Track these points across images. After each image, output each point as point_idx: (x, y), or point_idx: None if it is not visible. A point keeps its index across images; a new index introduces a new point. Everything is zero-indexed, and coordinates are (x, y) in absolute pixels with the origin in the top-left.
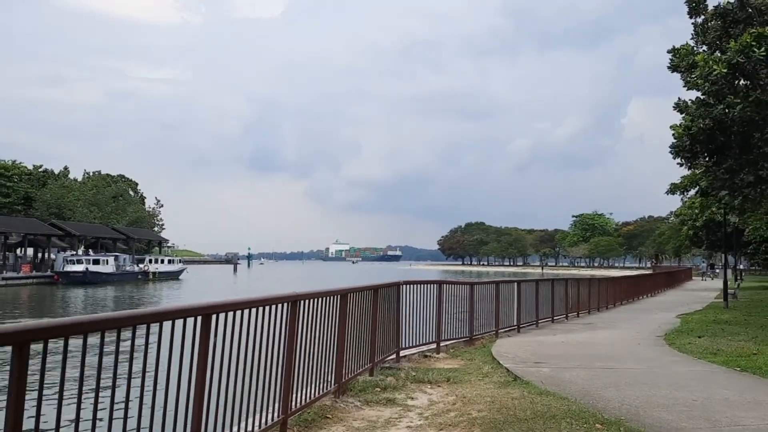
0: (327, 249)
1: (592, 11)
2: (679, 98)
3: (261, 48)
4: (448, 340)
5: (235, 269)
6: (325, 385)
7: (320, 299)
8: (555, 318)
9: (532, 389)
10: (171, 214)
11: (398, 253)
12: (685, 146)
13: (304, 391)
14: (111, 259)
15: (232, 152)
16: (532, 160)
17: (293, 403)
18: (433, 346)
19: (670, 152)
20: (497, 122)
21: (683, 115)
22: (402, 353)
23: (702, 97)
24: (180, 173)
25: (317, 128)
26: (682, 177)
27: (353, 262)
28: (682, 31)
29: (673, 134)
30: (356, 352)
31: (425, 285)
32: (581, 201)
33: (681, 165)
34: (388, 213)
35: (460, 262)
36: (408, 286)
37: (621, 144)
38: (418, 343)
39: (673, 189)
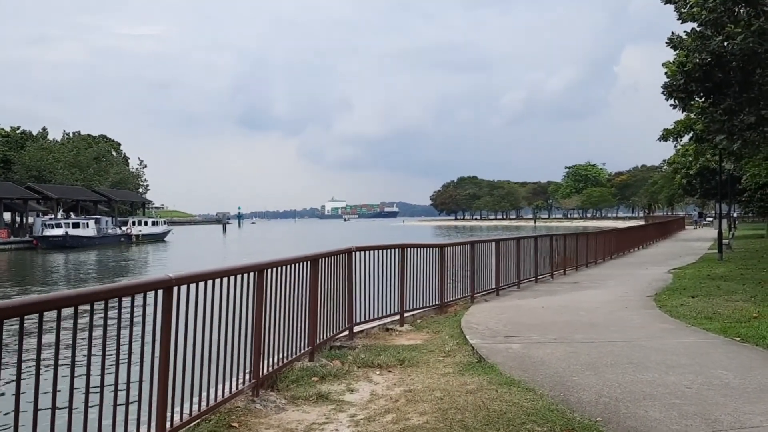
0: (323, 207)
1: None
2: (672, 32)
3: (248, 1)
4: (414, 309)
5: (224, 229)
6: (240, 380)
7: (216, 280)
8: (539, 277)
9: (494, 377)
10: (161, 174)
11: (395, 209)
12: (679, 85)
13: (202, 395)
14: (91, 222)
15: (222, 110)
16: (525, 113)
17: (181, 413)
18: (397, 317)
19: (663, 93)
20: (491, 75)
21: (677, 51)
22: (359, 328)
23: (698, 29)
24: (170, 133)
25: (308, 84)
26: (675, 122)
27: (345, 220)
28: None
29: (666, 72)
30: (287, 336)
31: (385, 250)
32: (575, 152)
33: (674, 107)
34: (382, 169)
35: (453, 217)
36: (364, 252)
37: (614, 93)
38: (378, 316)
39: (665, 135)
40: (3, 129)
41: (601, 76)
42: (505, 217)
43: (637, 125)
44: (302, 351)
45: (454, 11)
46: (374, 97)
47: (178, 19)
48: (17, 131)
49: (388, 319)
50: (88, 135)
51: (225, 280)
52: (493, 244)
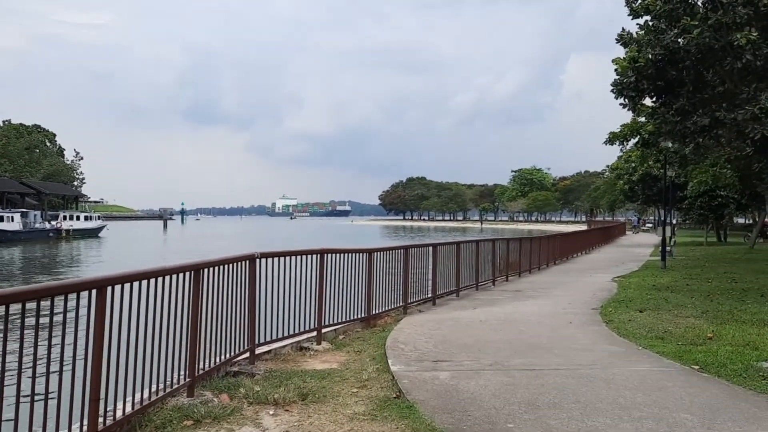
0: (273, 204)
1: None
2: (623, 28)
3: None
4: (336, 324)
5: (165, 225)
6: None
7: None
8: (480, 284)
9: (410, 423)
10: (103, 167)
11: (347, 208)
12: (630, 83)
13: None
14: (17, 216)
15: (168, 103)
16: (474, 116)
17: None
18: (314, 334)
19: (612, 91)
20: (441, 77)
21: (628, 48)
22: (266, 348)
23: (652, 22)
24: (114, 125)
25: (258, 80)
26: (621, 125)
27: (291, 218)
28: None
29: (616, 69)
30: (153, 368)
31: (301, 256)
32: (521, 156)
33: (624, 106)
34: (332, 167)
35: (402, 217)
36: (272, 259)
37: (560, 100)
38: (292, 333)
39: (612, 138)
40: None
41: (548, 83)
42: (452, 218)
43: (580, 132)
44: (177, 384)
45: (405, 12)
46: (325, 94)
47: (123, 8)
48: None
49: (305, 336)
50: (20, 124)
51: (43, 302)
52: (430, 249)
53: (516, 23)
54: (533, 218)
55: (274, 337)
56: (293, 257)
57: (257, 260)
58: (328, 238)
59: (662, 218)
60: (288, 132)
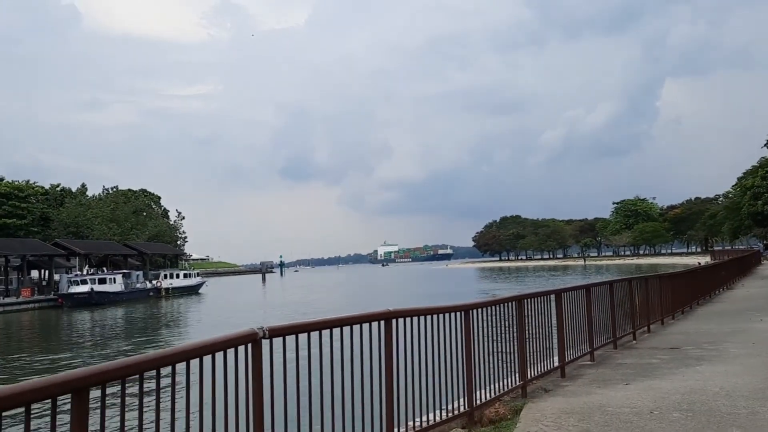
0: (375, 251)
1: None
2: None
3: (288, 58)
4: (422, 429)
5: (263, 279)
6: None
7: None
8: (618, 339)
9: None
10: (209, 226)
11: (449, 251)
12: None
13: None
14: (119, 277)
15: (266, 162)
16: (565, 151)
17: None
18: None
19: None
20: (528, 115)
21: None
22: None
23: None
24: (217, 186)
25: (347, 133)
26: None
27: (383, 265)
28: (710, 9)
29: None
30: None
31: (354, 325)
32: (620, 187)
33: None
34: (424, 213)
35: (497, 258)
36: (290, 336)
37: (657, 127)
38: None
39: None
40: (41, 187)
41: (643, 111)
42: (551, 256)
43: (682, 159)
44: None
45: (488, 54)
46: (412, 141)
47: (222, 78)
48: (57, 188)
49: None
50: (129, 189)
51: None
52: (552, 297)
53: (602, 55)
54: (640, 251)
55: None
56: (346, 327)
57: (262, 340)
58: (416, 287)
59: None
60: (379, 181)
